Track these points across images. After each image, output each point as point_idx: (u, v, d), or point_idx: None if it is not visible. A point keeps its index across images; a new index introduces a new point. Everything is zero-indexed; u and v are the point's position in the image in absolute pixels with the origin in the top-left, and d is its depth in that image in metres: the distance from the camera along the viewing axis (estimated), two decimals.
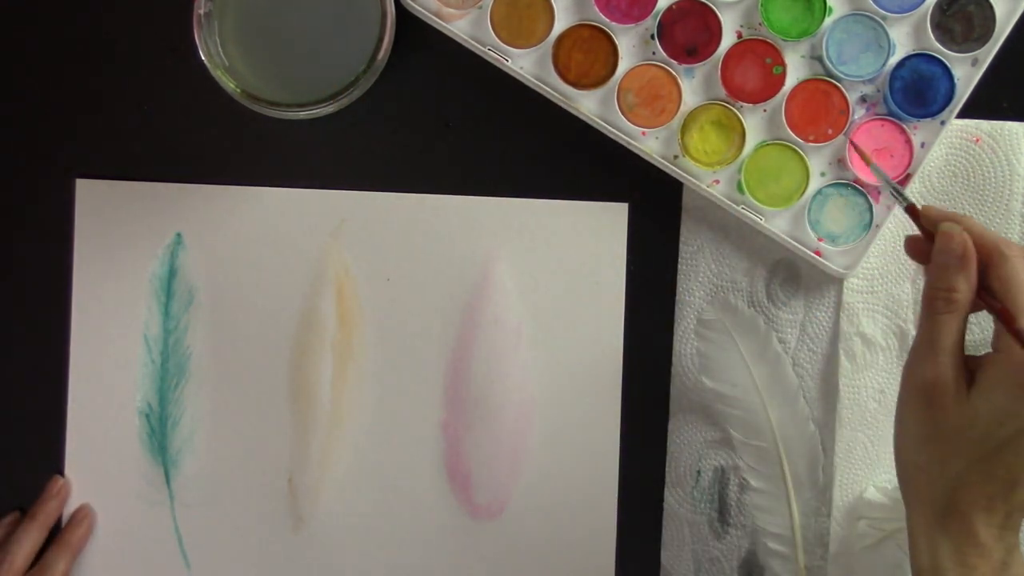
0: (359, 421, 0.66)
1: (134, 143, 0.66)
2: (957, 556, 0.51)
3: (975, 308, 0.52)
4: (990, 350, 0.52)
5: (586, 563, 0.66)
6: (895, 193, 0.57)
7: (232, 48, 0.61)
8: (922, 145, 0.64)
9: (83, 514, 0.66)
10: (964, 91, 0.63)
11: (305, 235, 0.66)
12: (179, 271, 0.66)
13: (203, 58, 0.60)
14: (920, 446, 0.52)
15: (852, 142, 0.62)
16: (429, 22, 0.64)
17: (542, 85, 0.64)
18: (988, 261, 0.51)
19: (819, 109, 0.63)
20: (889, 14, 0.63)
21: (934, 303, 0.52)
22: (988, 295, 0.51)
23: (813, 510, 0.66)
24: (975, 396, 0.50)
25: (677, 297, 0.66)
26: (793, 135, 0.63)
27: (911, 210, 0.55)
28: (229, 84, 0.60)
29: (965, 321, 0.52)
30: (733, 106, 0.63)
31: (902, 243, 0.65)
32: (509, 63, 0.64)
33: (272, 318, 0.66)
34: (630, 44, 0.64)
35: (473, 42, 0.63)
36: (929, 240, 0.54)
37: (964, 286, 0.51)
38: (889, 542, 0.64)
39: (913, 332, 0.65)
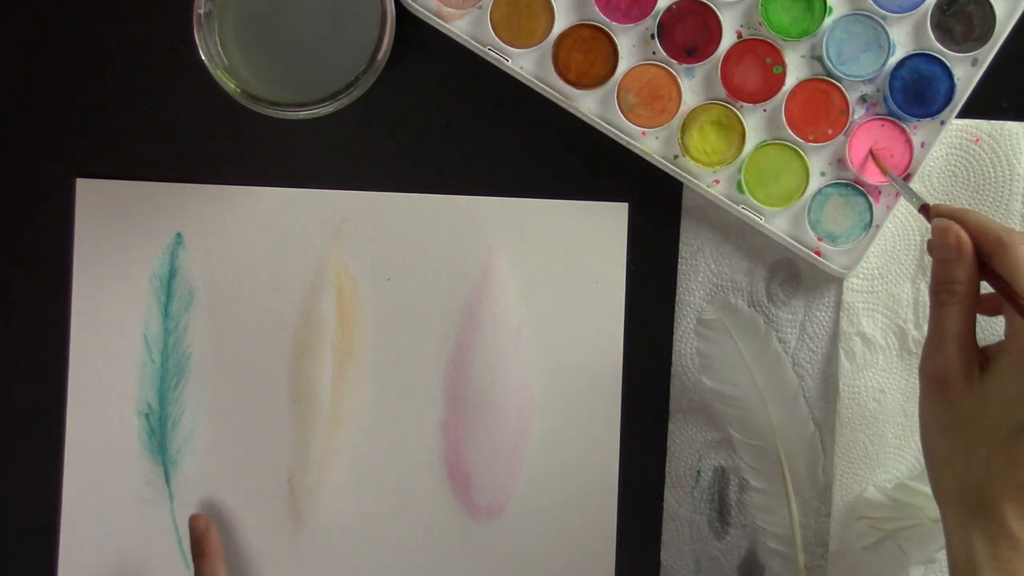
0: (359, 421, 0.66)
1: (134, 143, 0.66)
2: (991, 551, 0.50)
3: (985, 306, 0.54)
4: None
5: (586, 563, 0.66)
6: (909, 195, 0.59)
7: (232, 48, 0.61)
8: (922, 145, 0.64)
9: (204, 521, 0.65)
10: (964, 91, 0.63)
11: (305, 235, 0.66)
12: (179, 271, 0.66)
13: (203, 58, 0.60)
14: (940, 437, 0.53)
15: (872, 152, 0.63)
16: (429, 22, 0.64)
17: (542, 85, 0.64)
18: (991, 252, 0.52)
19: (819, 109, 0.63)
20: (889, 14, 0.63)
21: (938, 295, 0.53)
22: (996, 280, 0.52)
23: (813, 510, 0.66)
24: (986, 382, 0.51)
25: (677, 297, 0.66)
26: (793, 135, 0.63)
27: (924, 209, 0.57)
28: (229, 84, 0.60)
29: (971, 310, 0.53)
30: (733, 106, 0.63)
31: (902, 243, 0.65)
32: (509, 63, 0.64)
33: (272, 318, 0.66)
34: (630, 44, 0.64)
35: (473, 42, 0.63)
36: None
37: (963, 276, 0.53)
38: (889, 542, 0.64)
39: (913, 332, 0.65)
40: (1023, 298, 0.50)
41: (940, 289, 0.53)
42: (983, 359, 0.52)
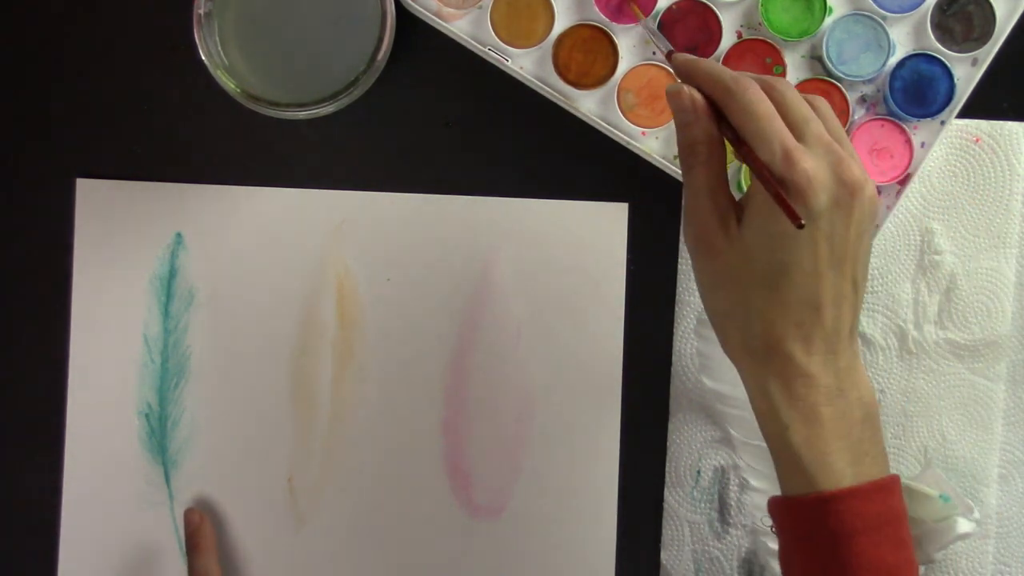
0: (359, 421, 0.66)
1: (134, 143, 0.66)
2: (786, 392, 0.51)
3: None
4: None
5: (586, 563, 0.66)
6: (658, 41, 0.58)
7: (232, 48, 0.61)
8: (922, 145, 0.64)
9: (198, 516, 0.65)
10: (964, 91, 0.63)
11: (305, 235, 0.66)
12: (179, 271, 0.66)
13: (203, 58, 0.60)
14: (717, 295, 0.53)
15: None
16: (429, 22, 0.64)
17: (542, 85, 0.64)
18: (722, 102, 0.52)
19: None
20: (889, 14, 0.63)
21: (685, 160, 0.53)
22: (728, 130, 0.52)
23: None
24: (743, 230, 0.51)
25: (677, 297, 0.66)
26: None
27: (669, 56, 0.56)
28: (229, 84, 0.60)
29: (720, 167, 0.52)
30: None
31: (902, 243, 0.65)
32: (509, 63, 0.64)
33: (272, 318, 0.66)
34: (630, 44, 0.64)
35: (473, 42, 0.63)
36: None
37: (703, 136, 0.52)
38: None
39: (913, 332, 0.65)
40: (747, 145, 0.50)
41: (686, 153, 0.53)
42: (740, 211, 0.52)
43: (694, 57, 0.54)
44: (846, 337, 0.52)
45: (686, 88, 0.52)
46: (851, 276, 0.51)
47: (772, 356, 0.51)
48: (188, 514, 0.65)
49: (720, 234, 0.52)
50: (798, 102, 0.51)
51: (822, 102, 0.53)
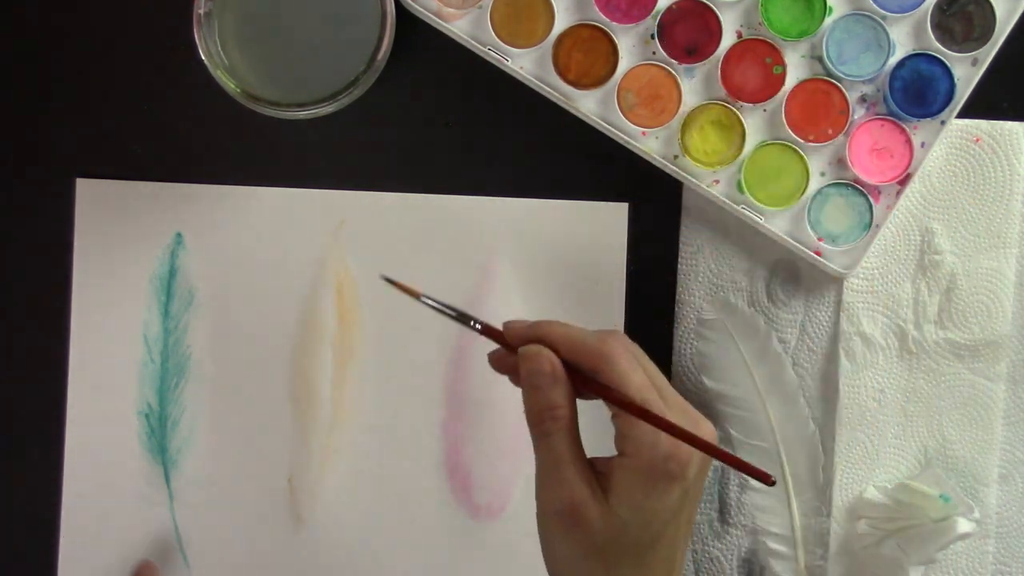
0: (359, 421, 0.66)
1: (134, 143, 0.66)
2: None
3: (587, 397, 0.52)
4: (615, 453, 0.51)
5: None
6: (461, 318, 0.54)
7: (232, 48, 0.61)
8: (922, 145, 0.64)
9: (150, 569, 0.65)
10: (964, 91, 0.63)
11: (305, 235, 0.66)
12: (179, 271, 0.66)
13: (203, 58, 0.60)
14: (577, 566, 0.51)
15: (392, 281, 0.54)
16: (429, 22, 0.64)
17: (542, 85, 0.64)
18: (595, 367, 0.50)
19: (819, 109, 0.63)
20: (889, 14, 0.63)
21: (541, 425, 0.51)
22: (604, 390, 0.50)
23: (813, 510, 0.66)
24: (615, 504, 0.49)
25: (677, 297, 0.66)
26: (793, 135, 0.63)
27: (487, 331, 0.53)
28: (229, 84, 0.60)
29: (577, 431, 0.51)
30: (733, 106, 0.63)
31: (902, 243, 0.65)
32: (509, 63, 0.64)
33: (272, 318, 0.66)
34: (630, 44, 0.64)
35: (473, 42, 0.63)
36: (514, 353, 0.53)
37: (563, 400, 0.50)
38: (889, 542, 0.64)
39: (913, 332, 0.65)
40: (637, 402, 0.49)
41: (542, 418, 0.50)
42: (599, 472, 0.51)
43: (533, 323, 0.52)
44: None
45: (545, 351, 0.51)
46: (694, 523, 0.52)
47: None
48: (142, 568, 0.65)
49: (593, 504, 0.49)
50: (650, 367, 0.51)
51: (637, 352, 0.52)
